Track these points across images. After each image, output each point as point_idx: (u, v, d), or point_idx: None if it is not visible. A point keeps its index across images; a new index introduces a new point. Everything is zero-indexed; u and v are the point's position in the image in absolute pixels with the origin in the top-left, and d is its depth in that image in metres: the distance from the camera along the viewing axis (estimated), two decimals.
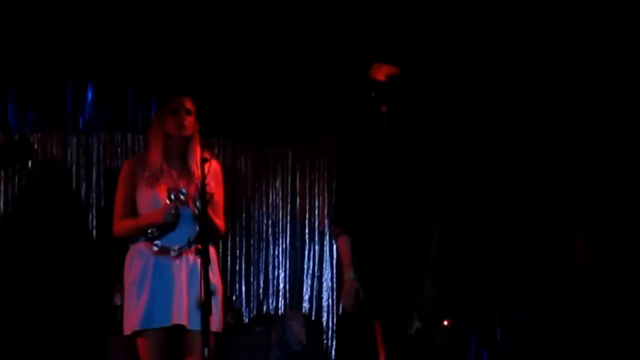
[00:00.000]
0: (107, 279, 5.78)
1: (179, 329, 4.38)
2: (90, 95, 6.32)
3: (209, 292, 3.99)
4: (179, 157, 4.54)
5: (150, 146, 4.58)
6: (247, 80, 6.63)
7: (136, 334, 4.41)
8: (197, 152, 4.48)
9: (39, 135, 6.17)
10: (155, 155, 4.51)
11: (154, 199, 4.44)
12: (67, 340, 5.91)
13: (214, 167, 4.42)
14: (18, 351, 5.74)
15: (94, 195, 6.28)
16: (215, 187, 4.51)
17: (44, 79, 6.21)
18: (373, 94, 4.47)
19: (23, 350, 5.77)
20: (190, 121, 4.52)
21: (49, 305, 5.92)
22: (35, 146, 6.12)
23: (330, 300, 7.03)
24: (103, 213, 6.14)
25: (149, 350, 4.40)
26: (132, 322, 4.41)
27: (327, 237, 7.00)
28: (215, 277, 4.37)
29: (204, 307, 3.97)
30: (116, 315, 5.53)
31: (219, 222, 4.52)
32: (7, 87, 6.15)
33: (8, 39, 5.99)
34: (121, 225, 4.51)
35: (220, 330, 4.47)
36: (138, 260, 4.46)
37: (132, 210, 4.51)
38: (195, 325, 4.19)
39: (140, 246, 4.48)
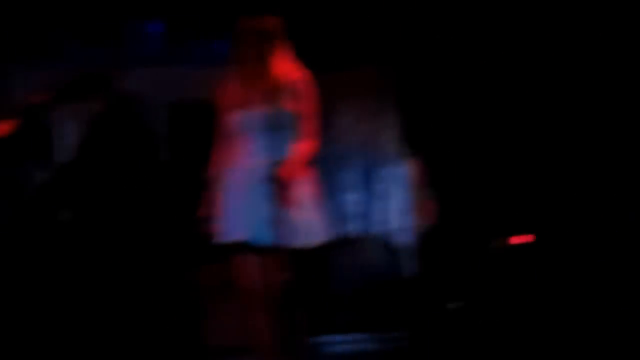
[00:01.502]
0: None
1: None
2: (154, 29, 6.32)
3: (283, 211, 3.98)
4: (259, 78, 4.52)
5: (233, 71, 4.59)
6: None
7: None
8: (279, 70, 4.45)
9: (106, 70, 6.19)
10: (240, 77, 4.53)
11: (243, 119, 4.48)
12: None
13: (299, 79, 4.43)
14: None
15: (164, 128, 6.31)
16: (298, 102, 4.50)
17: (107, 16, 6.22)
18: None
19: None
20: (265, 43, 4.47)
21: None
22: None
23: None
24: (173, 146, 6.22)
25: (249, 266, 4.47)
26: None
27: None
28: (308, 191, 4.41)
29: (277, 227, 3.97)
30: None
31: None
32: (71, 26, 6.20)
33: None
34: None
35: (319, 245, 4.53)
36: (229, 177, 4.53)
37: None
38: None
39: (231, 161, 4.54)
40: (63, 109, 5.92)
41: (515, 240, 6.46)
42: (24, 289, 4.45)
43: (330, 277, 6.34)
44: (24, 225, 4.36)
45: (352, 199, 6.96)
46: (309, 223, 4.49)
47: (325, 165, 6.94)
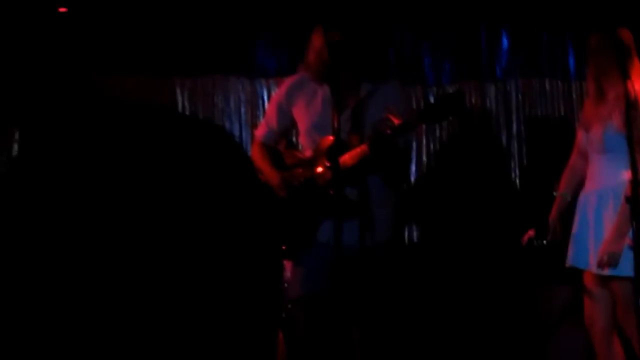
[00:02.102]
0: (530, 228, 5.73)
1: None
2: (505, 42, 6.27)
3: None
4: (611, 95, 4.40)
5: None
6: None
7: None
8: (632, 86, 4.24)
9: (457, 85, 6.21)
10: None
11: (591, 138, 4.43)
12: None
13: None
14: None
15: (515, 143, 6.19)
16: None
17: (458, 30, 6.26)
18: None
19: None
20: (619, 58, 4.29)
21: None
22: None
23: None
24: (525, 161, 6.12)
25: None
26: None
27: None
28: None
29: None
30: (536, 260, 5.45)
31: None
32: (422, 40, 6.28)
33: None
34: None
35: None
36: None
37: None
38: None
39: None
40: (421, 127, 6.02)
41: None
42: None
43: None
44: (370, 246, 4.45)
45: None
46: None
47: None
